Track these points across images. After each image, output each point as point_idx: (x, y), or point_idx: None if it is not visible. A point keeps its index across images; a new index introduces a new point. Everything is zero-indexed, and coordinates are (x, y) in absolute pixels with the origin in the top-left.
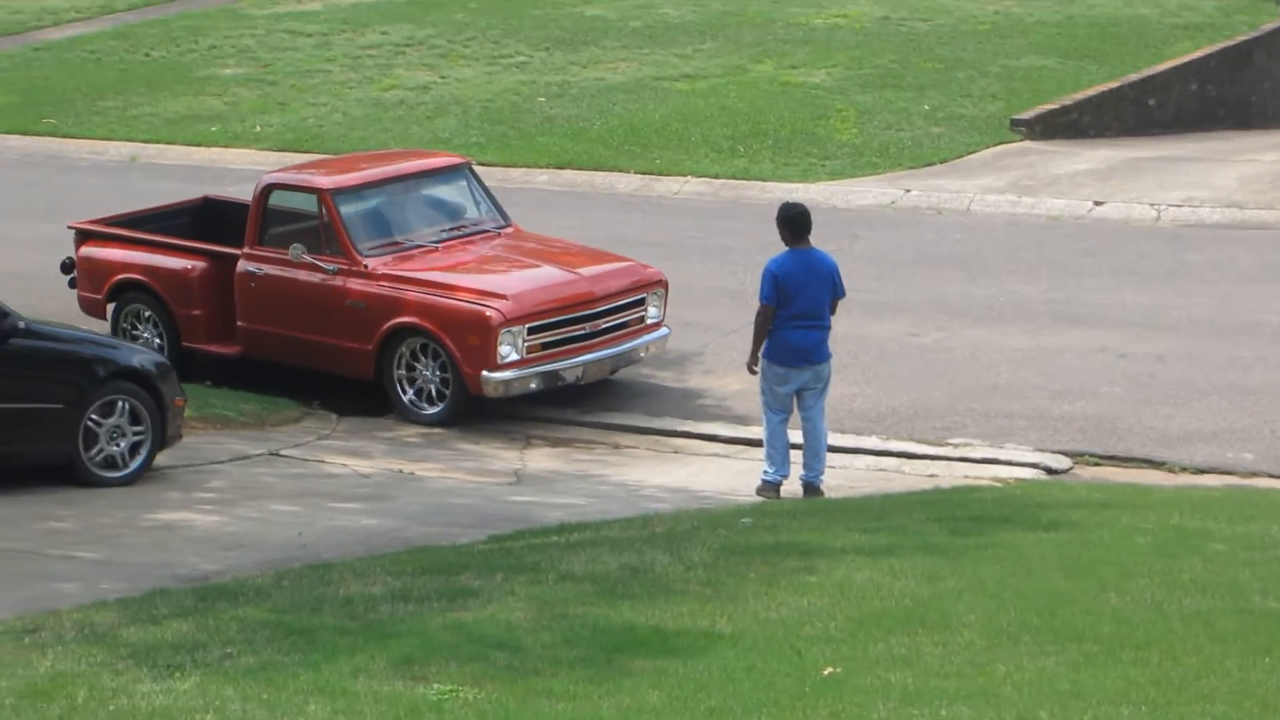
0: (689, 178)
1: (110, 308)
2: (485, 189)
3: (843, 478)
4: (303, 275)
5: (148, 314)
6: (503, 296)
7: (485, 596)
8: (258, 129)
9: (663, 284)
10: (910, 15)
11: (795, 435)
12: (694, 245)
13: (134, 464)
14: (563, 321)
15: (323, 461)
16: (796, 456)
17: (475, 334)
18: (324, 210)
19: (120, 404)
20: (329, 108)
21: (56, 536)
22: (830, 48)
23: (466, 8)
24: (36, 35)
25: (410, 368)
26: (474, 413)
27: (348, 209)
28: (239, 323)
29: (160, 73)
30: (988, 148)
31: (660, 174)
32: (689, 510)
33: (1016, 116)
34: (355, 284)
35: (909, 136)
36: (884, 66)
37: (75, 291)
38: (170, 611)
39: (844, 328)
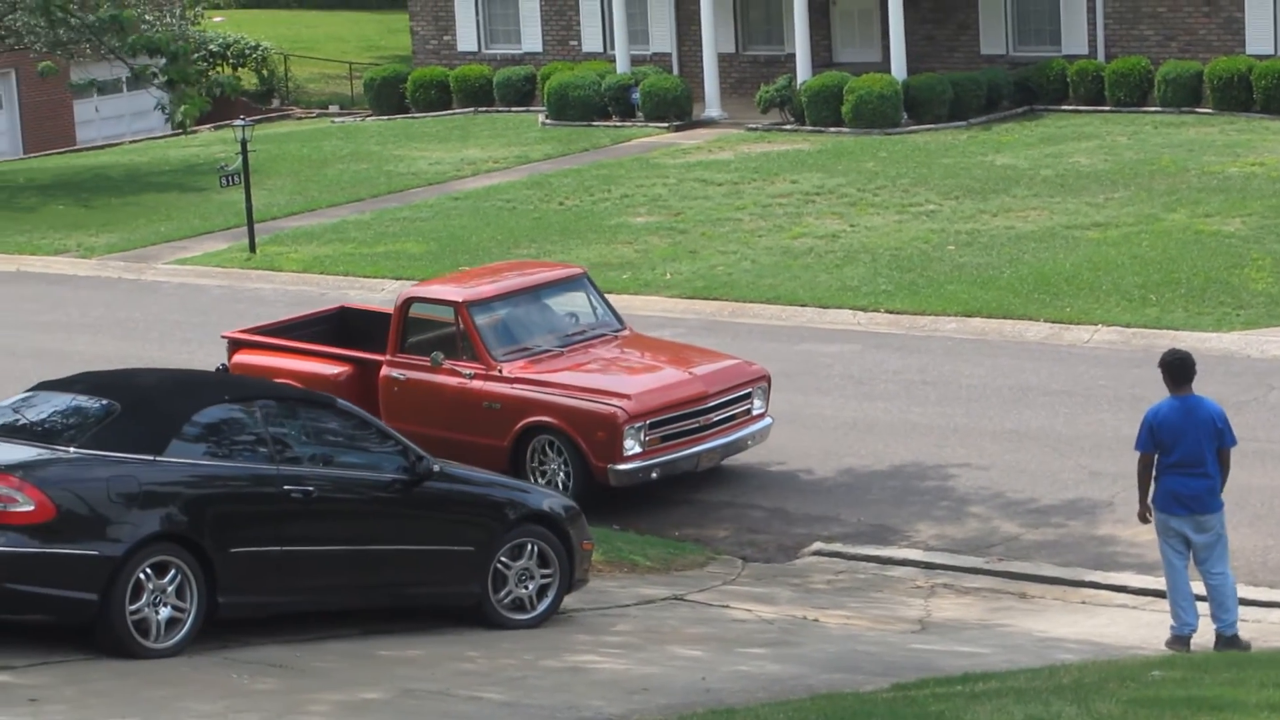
0: (1100, 326)
1: None
2: (601, 295)
3: (1256, 631)
4: (442, 379)
5: None
6: (626, 396)
7: None
8: (668, 276)
9: (766, 379)
10: None
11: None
12: (1104, 394)
13: (541, 606)
14: (679, 417)
15: (727, 607)
16: (1205, 608)
17: (603, 430)
18: (460, 320)
19: (530, 547)
20: (738, 255)
21: (464, 677)
22: (1245, 196)
23: (877, 157)
24: (455, 185)
25: (540, 461)
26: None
27: (481, 319)
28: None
29: (573, 221)
30: None
31: (1070, 322)
32: (1097, 661)
33: None
34: (491, 387)
35: None
36: None
37: None
38: None
39: (1259, 479)
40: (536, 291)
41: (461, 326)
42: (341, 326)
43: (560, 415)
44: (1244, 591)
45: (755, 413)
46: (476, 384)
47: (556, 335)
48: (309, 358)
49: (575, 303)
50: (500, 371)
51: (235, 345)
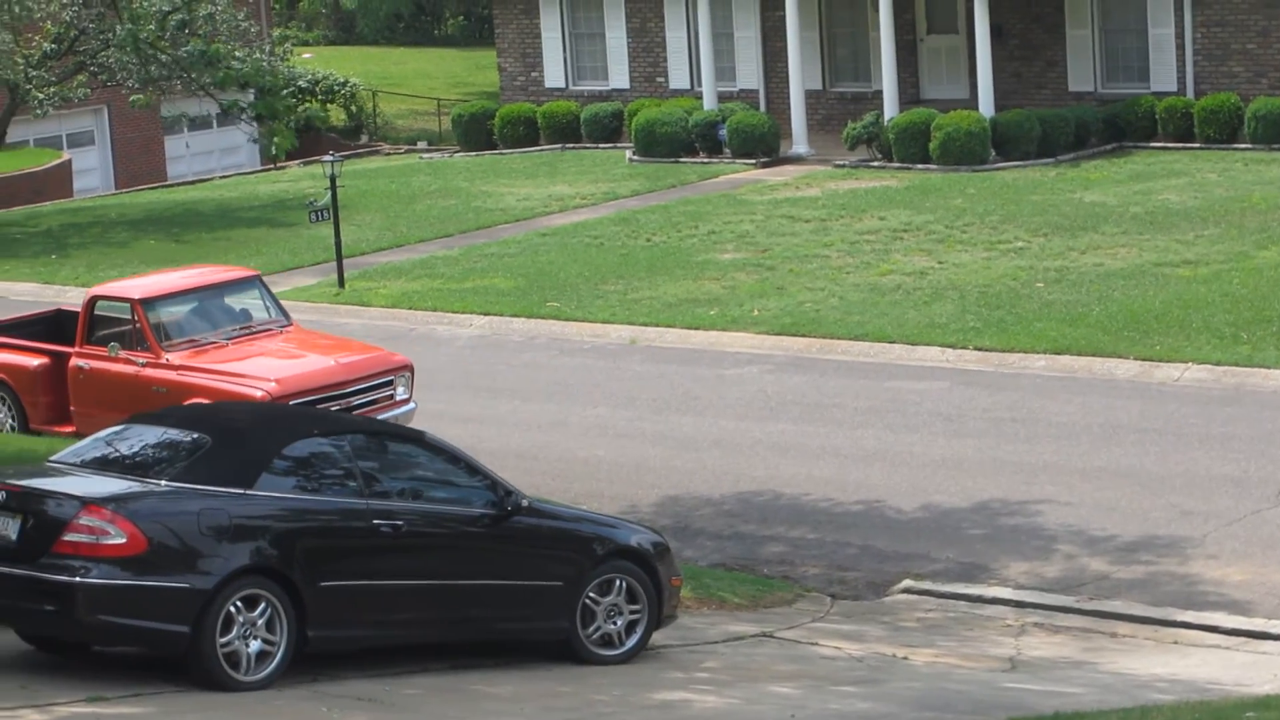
0: (1190, 364)
1: None
2: (273, 296)
3: None
4: (119, 368)
5: (8, 401)
6: (271, 380)
7: None
8: (755, 313)
9: (408, 368)
10: None
11: None
12: (1194, 433)
13: (629, 642)
14: (322, 400)
15: (816, 644)
16: None
17: None
18: (135, 315)
19: (618, 582)
20: (826, 292)
21: (554, 713)
22: None
23: (964, 194)
24: (543, 221)
25: None
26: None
27: (153, 314)
28: (72, 407)
29: (660, 257)
30: None
31: (1160, 360)
32: (1190, 702)
33: None
34: (159, 373)
35: None
36: None
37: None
38: None
39: None
40: (211, 290)
41: (136, 321)
42: (57, 326)
43: (214, 397)
44: None
45: (399, 398)
46: (147, 371)
47: (225, 329)
48: (13, 351)
49: (248, 301)
50: (167, 360)
51: None
